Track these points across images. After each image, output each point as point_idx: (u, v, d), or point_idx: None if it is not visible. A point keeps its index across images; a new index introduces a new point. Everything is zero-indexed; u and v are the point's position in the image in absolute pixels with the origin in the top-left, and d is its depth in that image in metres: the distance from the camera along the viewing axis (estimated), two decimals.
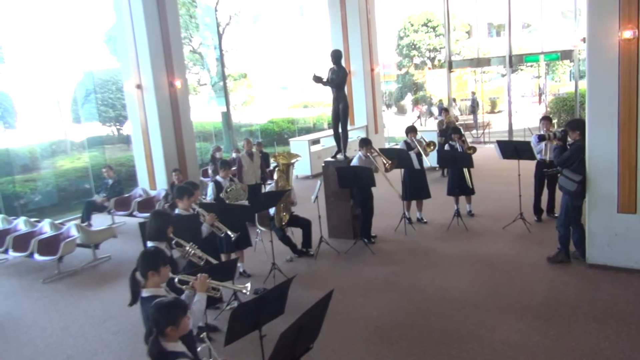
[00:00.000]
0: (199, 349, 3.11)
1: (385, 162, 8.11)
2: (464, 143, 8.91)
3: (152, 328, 2.98)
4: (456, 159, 8.69)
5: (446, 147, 9.06)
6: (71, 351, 5.65)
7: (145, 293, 3.49)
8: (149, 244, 4.45)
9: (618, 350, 4.70)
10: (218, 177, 7.08)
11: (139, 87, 10.72)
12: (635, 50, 5.76)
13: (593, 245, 6.44)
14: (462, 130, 9.36)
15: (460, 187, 8.83)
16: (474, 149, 8.93)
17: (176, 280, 3.78)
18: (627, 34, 5.73)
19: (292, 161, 7.77)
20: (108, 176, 11.02)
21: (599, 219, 6.33)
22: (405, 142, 9.03)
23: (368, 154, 8.07)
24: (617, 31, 5.80)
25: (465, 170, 8.74)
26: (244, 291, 3.96)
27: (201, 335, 3.15)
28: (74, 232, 8.39)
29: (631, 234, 6.16)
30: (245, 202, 6.91)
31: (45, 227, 8.84)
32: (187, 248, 4.35)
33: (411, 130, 9.05)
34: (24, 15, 17.62)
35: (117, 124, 20.51)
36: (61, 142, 17.50)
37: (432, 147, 9.07)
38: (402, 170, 8.71)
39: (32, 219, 9.46)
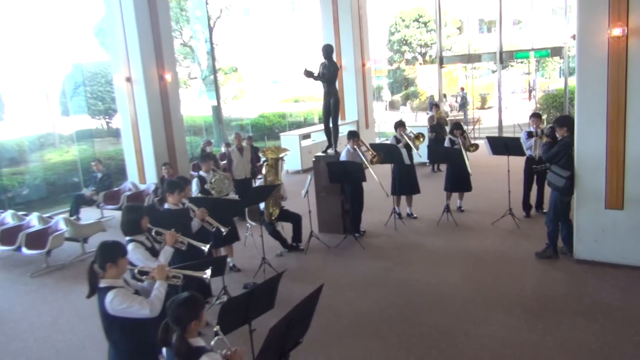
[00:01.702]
0: (212, 342, 3.10)
1: (372, 154, 8.13)
2: (466, 139, 8.82)
3: (173, 325, 2.90)
4: (447, 154, 8.69)
5: (446, 142, 8.99)
6: (60, 345, 5.62)
7: (102, 284, 3.48)
8: (127, 239, 4.41)
9: (603, 343, 4.77)
10: (201, 172, 6.95)
11: (128, 80, 10.62)
12: (624, 48, 5.80)
13: (581, 241, 6.51)
14: (463, 125, 9.24)
15: (458, 184, 8.83)
16: (476, 146, 8.81)
17: (135, 271, 3.78)
18: (617, 31, 5.77)
19: (281, 155, 7.74)
20: (97, 170, 10.94)
21: (587, 215, 6.40)
22: (395, 137, 9.04)
23: (355, 146, 8.06)
24: (606, 28, 5.84)
25: (468, 166, 8.46)
26: (204, 276, 3.92)
27: (215, 329, 3.15)
28: (62, 226, 8.32)
29: (618, 230, 6.23)
30: (235, 196, 6.89)
31: (33, 221, 8.76)
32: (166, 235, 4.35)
33: (400, 125, 9.05)
34: (12, 7, 17.39)
35: (107, 117, 20.35)
36: (49, 135, 17.34)
37: (421, 140, 9.03)
38: (392, 165, 8.72)
39: (20, 213, 9.38)
